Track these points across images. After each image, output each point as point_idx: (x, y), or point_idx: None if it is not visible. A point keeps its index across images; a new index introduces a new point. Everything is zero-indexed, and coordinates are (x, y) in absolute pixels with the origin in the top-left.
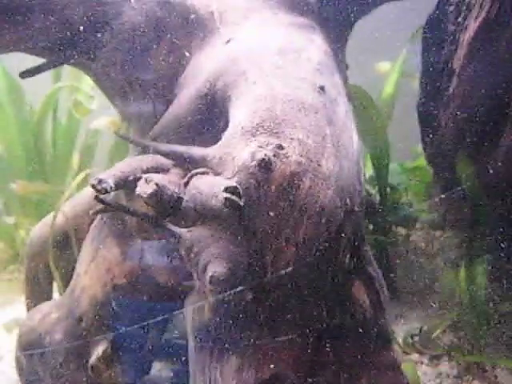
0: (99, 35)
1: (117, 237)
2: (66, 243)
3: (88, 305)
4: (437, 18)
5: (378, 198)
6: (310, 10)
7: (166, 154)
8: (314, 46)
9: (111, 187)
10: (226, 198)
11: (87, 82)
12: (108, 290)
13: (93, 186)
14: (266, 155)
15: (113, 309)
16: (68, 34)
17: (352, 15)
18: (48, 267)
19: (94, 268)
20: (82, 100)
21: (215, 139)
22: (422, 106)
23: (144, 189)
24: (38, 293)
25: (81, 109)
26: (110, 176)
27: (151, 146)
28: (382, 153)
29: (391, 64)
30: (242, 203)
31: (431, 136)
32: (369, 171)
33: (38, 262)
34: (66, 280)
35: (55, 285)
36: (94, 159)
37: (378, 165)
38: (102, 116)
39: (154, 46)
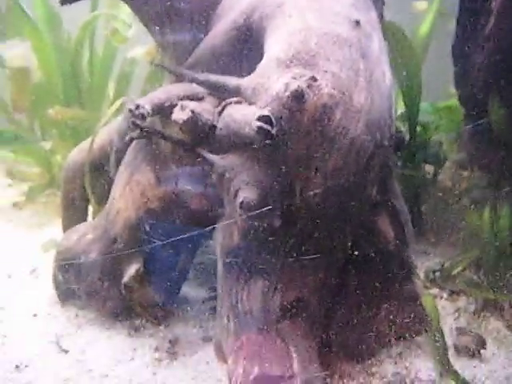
0: None
1: (151, 162)
2: (101, 168)
3: (122, 226)
4: None
5: (408, 135)
6: None
7: (200, 83)
8: None
9: (148, 112)
10: (258, 127)
11: (124, 11)
12: (141, 213)
13: (130, 111)
14: (299, 86)
15: (146, 231)
16: None
17: None
18: (84, 191)
19: (129, 192)
20: (119, 28)
21: (250, 70)
22: (457, 46)
23: (179, 115)
24: (73, 215)
25: (118, 36)
26: (147, 102)
27: (187, 74)
28: (414, 91)
29: (428, 2)
30: (274, 132)
31: (465, 76)
32: (400, 108)
33: (74, 186)
34: (101, 203)
35: (90, 208)
36: (129, 88)
37: (409, 102)
38: (138, 45)
39: None
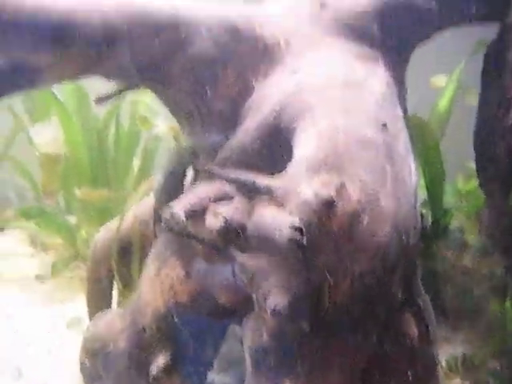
0: (172, 63)
1: (181, 257)
2: (129, 249)
3: (151, 318)
4: (498, 47)
5: (429, 219)
6: (373, 39)
7: (231, 181)
8: (376, 78)
9: (183, 221)
10: (291, 237)
11: (150, 95)
12: (170, 306)
13: (166, 221)
14: (329, 195)
15: (174, 323)
16: (143, 61)
17: (414, 40)
18: (110, 272)
19: (158, 284)
20: (146, 115)
21: (279, 169)
22: (479, 134)
23: (213, 223)
24: (99, 295)
25: (147, 124)
26: (180, 208)
27: (217, 172)
28: (436, 174)
29: (447, 78)
30: (305, 242)
31: (486, 164)
32: (422, 190)
33: (101, 266)
34: (127, 285)
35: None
36: (153, 163)
37: (431, 187)
38: (162, 122)
39: (221, 74)
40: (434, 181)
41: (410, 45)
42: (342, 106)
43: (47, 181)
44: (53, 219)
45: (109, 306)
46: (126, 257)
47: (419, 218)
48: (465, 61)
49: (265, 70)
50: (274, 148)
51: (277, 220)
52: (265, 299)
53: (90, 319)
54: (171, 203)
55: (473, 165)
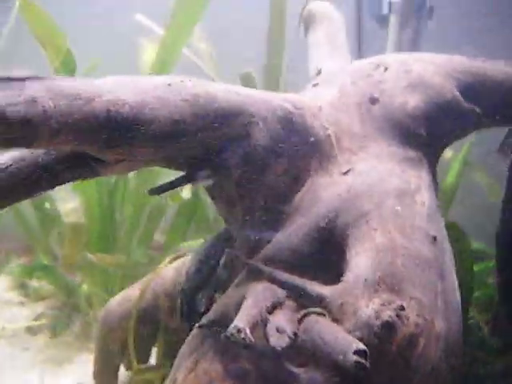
0: (230, 154)
1: (219, 353)
2: (147, 323)
3: None
4: None
5: None
6: (419, 141)
7: (281, 284)
8: (424, 185)
9: (249, 338)
10: (356, 362)
11: None
12: None
13: (231, 335)
14: (390, 316)
15: None
16: (202, 153)
17: (452, 140)
18: (123, 344)
19: (194, 379)
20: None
21: (329, 277)
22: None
23: (278, 341)
24: (108, 367)
25: (177, 198)
26: (245, 324)
27: (265, 271)
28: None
29: (453, 153)
30: (368, 366)
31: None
32: None
33: (114, 337)
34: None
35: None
36: (159, 224)
37: None
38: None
39: (272, 164)
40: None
41: (447, 144)
42: (397, 219)
43: (70, 252)
44: (55, 273)
45: (116, 379)
46: (143, 330)
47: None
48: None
49: (315, 166)
50: (326, 254)
51: (340, 341)
52: None
53: None
54: (236, 318)
55: (477, 245)
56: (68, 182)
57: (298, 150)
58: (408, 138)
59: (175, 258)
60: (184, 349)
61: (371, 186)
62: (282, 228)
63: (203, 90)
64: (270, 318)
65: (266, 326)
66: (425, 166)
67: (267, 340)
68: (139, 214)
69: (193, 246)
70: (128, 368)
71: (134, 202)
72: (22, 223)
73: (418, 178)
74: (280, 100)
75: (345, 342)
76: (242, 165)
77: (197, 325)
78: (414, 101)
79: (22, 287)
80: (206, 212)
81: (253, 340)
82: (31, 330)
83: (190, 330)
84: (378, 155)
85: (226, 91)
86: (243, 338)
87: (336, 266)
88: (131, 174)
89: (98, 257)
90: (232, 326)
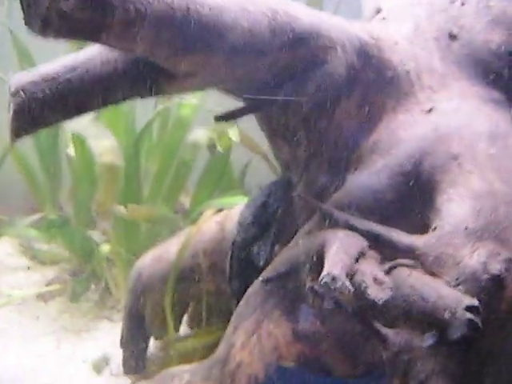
0: (301, 81)
1: (287, 311)
2: (187, 284)
3: None
4: None
5: None
6: (502, 81)
7: (361, 232)
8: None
9: (349, 290)
10: (469, 320)
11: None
12: (272, 372)
13: (326, 284)
14: (499, 269)
15: None
16: (275, 77)
17: None
18: (157, 306)
19: (256, 343)
20: (227, 131)
21: (409, 228)
22: None
23: (379, 294)
24: (138, 335)
25: (225, 140)
26: (341, 272)
27: (342, 218)
28: None
29: None
30: (480, 325)
31: None
32: None
33: (146, 301)
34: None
35: None
36: (188, 176)
37: None
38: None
39: (344, 101)
40: None
41: None
42: (492, 163)
43: (104, 198)
44: (72, 230)
45: (147, 348)
46: (182, 292)
47: None
48: None
49: (392, 103)
50: (410, 200)
51: (445, 297)
52: None
53: (125, 364)
54: (328, 266)
55: None
56: (125, 99)
57: (374, 84)
58: (492, 78)
59: (218, 212)
60: (241, 309)
61: (459, 126)
62: (355, 171)
63: (283, 9)
64: (369, 268)
65: (353, 276)
66: (507, 108)
67: (361, 293)
68: (165, 169)
69: (224, 204)
70: (160, 337)
71: (160, 156)
72: (27, 176)
73: (505, 122)
74: (357, 29)
75: (452, 298)
76: (314, 95)
77: (259, 279)
78: (498, 38)
79: (28, 251)
80: (231, 171)
81: (352, 289)
82: (42, 297)
83: (242, 289)
84: (462, 94)
85: (306, 13)
86: (339, 289)
87: (419, 214)
88: (157, 127)
89: (132, 209)
90: (325, 273)
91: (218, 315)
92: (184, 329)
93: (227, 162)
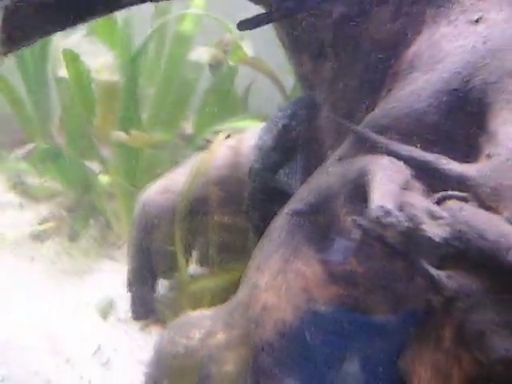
0: None
1: (318, 248)
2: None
3: (274, 331)
4: None
5: None
6: None
7: (404, 159)
8: None
9: (401, 220)
10: None
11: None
12: (302, 316)
13: (377, 219)
14: None
15: (307, 340)
16: None
17: None
18: (164, 241)
19: (283, 283)
20: (240, 44)
21: (456, 155)
22: None
23: (437, 231)
24: (145, 271)
25: (238, 54)
26: (391, 204)
27: (382, 142)
28: None
29: None
30: None
31: None
32: None
33: (153, 234)
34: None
35: None
36: (190, 99)
37: None
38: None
39: (376, 8)
40: None
41: None
42: None
43: (103, 122)
44: (68, 161)
45: (155, 286)
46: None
47: None
48: None
49: (433, 13)
50: (458, 123)
51: (508, 235)
52: (478, 337)
53: (134, 303)
54: (377, 197)
55: None
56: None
57: None
58: None
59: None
60: (263, 245)
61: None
62: (392, 90)
63: None
64: (423, 202)
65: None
66: None
67: (415, 229)
68: (166, 90)
69: (233, 128)
70: (169, 277)
71: (160, 77)
72: (14, 106)
73: None
74: None
75: None
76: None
77: (283, 212)
78: None
79: (18, 186)
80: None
81: (406, 225)
82: (37, 237)
83: (263, 222)
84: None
85: None
86: (391, 223)
87: (467, 139)
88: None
89: (135, 135)
90: (375, 206)
91: (232, 252)
92: (193, 267)
93: (232, 81)
